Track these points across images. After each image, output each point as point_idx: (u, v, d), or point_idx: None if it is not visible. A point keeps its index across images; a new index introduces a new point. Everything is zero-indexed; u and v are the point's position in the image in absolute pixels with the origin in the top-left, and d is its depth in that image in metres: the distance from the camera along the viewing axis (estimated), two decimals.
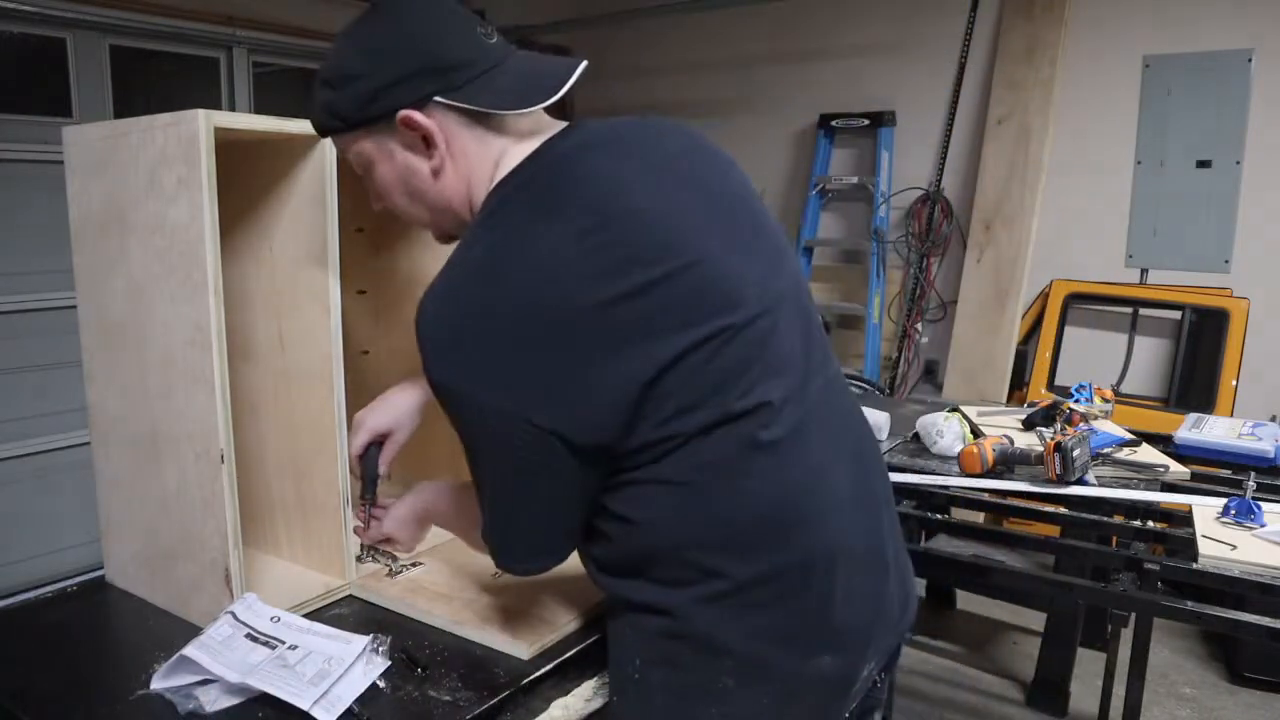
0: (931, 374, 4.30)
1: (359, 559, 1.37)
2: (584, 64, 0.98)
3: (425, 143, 0.96)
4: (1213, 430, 2.27)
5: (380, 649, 1.09)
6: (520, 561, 1.04)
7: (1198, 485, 1.97)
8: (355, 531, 1.31)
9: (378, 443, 1.31)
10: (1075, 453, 1.92)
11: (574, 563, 1.38)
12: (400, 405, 1.32)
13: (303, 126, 1.17)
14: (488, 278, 0.89)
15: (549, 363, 0.88)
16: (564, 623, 1.20)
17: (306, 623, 1.14)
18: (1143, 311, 3.74)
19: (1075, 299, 3.82)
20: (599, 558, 1.04)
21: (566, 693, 1.11)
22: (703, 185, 1.01)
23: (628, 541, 0.98)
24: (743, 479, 0.94)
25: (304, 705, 0.98)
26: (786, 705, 0.98)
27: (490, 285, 0.89)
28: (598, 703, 1.11)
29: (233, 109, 3.89)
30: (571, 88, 0.96)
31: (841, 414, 1.07)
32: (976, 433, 2.31)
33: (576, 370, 0.88)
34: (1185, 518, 1.78)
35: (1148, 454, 2.17)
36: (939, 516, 1.94)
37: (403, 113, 0.93)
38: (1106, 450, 2.15)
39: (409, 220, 1.08)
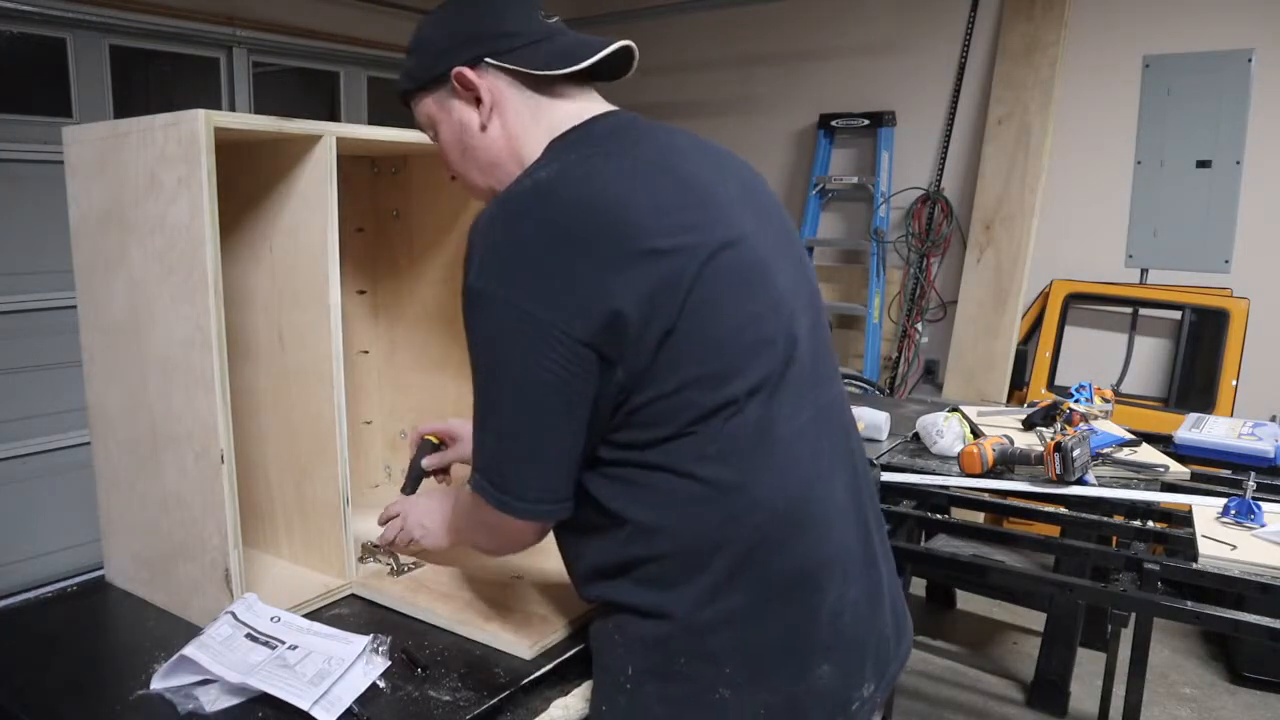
0: (931, 374, 4.30)
1: (360, 559, 1.37)
2: (624, 42, 1.04)
3: (476, 100, 1.04)
4: (1213, 430, 2.27)
5: (380, 649, 1.09)
6: (531, 502, 0.97)
7: (1198, 485, 1.97)
8: (383, 527, 1.35)
9: (444, 440, 1.43)
10: (1075, 453, 1.92)
11: None
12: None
13: (303, 126, 1.18)
14: (548, 193, 0.92)
15: (596, 279, 0.89)
16: (565, 622, 1.20)
17: (306, 623, 1.14)
18: (1142, 311, 3.74)
19: (1075, 299, 3.82)
20: (590, 558, 1.02)
21: (566, 693, 1.11)
22: (739, 176, 1.07)
23: (625, 539, 0.97)
24: (750, 476, 0.94)
25: (304, 705, 0.98)
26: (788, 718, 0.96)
27: (550, 199, 0.92)
28: None
29: (233, 109, 3.89)
30: (611, 62, 1.05)
31: (842, 429, 1.08)
32: (976, 433, 2.31)
33: (619, 290, 0.88)
34: (1185, 518, 1.78)
35: (1148, 454, 2.17)
36: (939, 516, 1.94)
37: (456, 69, 1.03)
38: (1106, 450, 2.15)
39: (468, 184, 1.13)
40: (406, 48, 1.11)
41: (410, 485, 1.43)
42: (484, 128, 1.05)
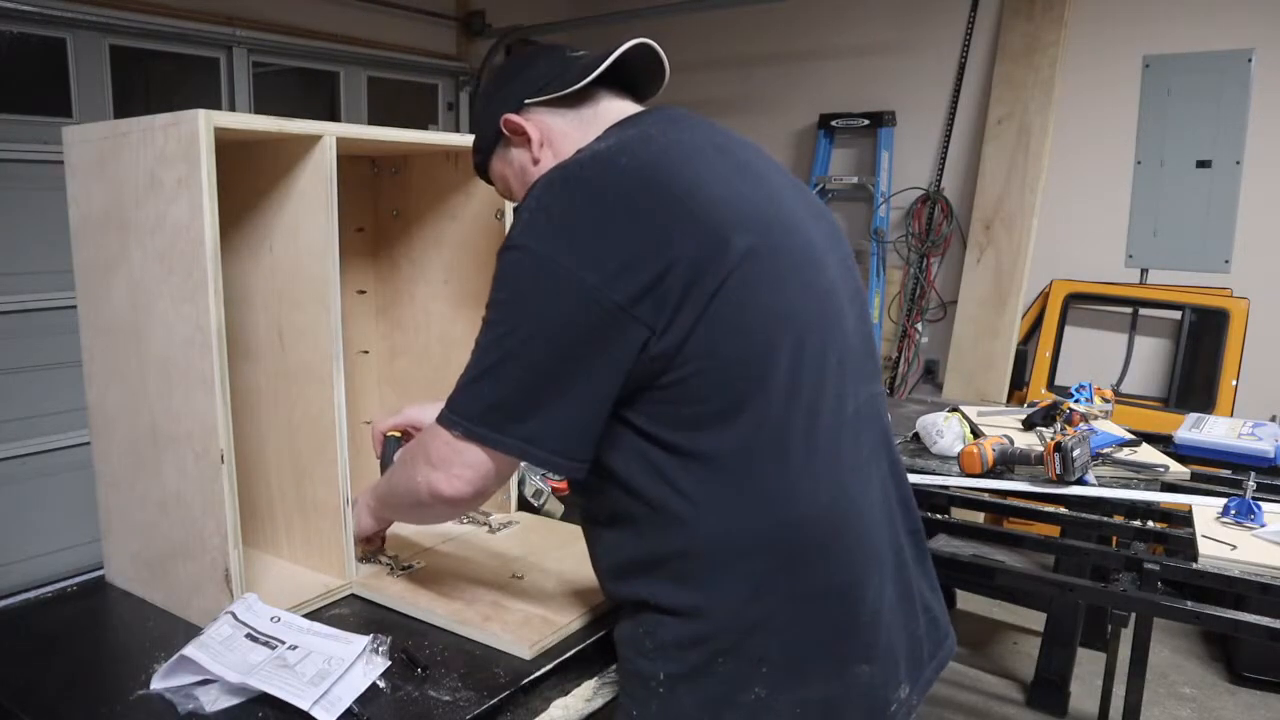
0: (931, 374, 4.30)
1: (360, 559, 1.37)
2: (641, 40, 1.08)
3: (526, 139, 1.11)
4: (1213, 430, 2.27)
5: (380, 649, 1.09)
6: (553, 453, 0.93)
7: (1198, 485, 1.97)
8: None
9: (406, 435, 1.38)
10: (1075, 453, 1.92)
11: (575, 562, 1.38)
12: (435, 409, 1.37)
13: (303, 126, 1.18)
14: (606, 160, 0.95)
15: (645, 241, 0.89)
16: (565, 622, 1.20)
17: (306, 623, 1.14)
18: (1143, 311, 3.74)
19: (1075, 299, 3.82)
20: (626, 551, 1.00)
21: (566, 693, 1.11)
22: (786, 174, 1.12)
23: (661, 532, 0.95)
24: (793, 471, 0.93)
25: (304, 705, 0.98)
26: None
27: (608, 165, 0.95)
28: (598, 702, 1.11)
29: (233, 109, 3.89)
30: (644, 71, 1.12)
31: (881, 428, 1.09)
32: (976, 433, 2.31)
33: (667, 253, 0.89)
34: (1185, 518, 1.78)
35: (1148, 454, 2.17)
36: (939, 516, 1.94)
37: (504, 117, 1.11)
38: (1106, 450, 2.15)
39: None
40: (473, 142, 1.22)
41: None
42: (536, 161, 1.11)
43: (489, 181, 1.23)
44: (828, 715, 0.95)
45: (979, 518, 2.84)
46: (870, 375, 1.08)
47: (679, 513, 0.93)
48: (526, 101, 1.11)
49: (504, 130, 1.12)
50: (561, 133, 1.10)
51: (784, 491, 0.93)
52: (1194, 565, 1.58)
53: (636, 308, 0.88)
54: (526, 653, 1.13)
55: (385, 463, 1.39)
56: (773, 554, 0.93)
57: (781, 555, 0.93)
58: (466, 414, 0.95)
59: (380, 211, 1.70)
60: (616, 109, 1.11)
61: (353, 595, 1.31)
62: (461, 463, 0.97)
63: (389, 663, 1.08)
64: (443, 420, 0.97)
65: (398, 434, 1.40)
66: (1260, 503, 1.72)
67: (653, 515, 0.95)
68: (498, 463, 0.97)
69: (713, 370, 0.91)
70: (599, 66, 1.07)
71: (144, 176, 1.14)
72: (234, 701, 1.01)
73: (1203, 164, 3.59)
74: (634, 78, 1.13)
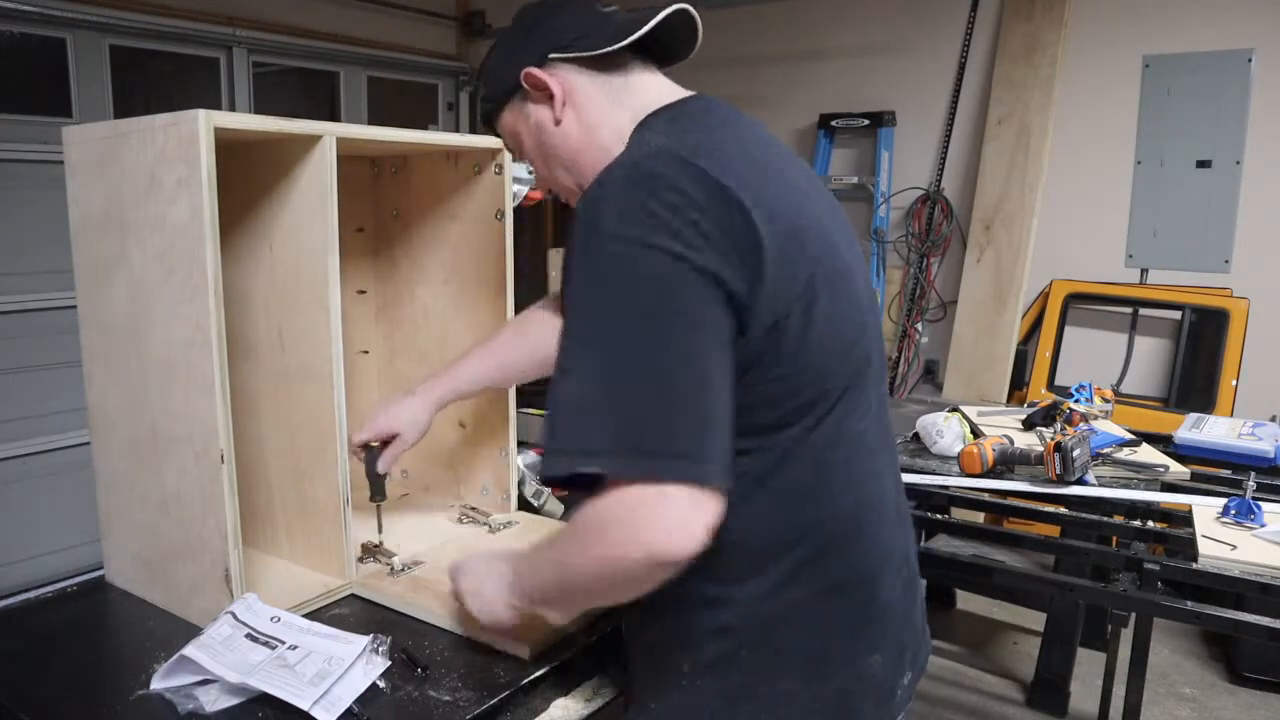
0: (931, 374, 4.30)
1: (360, 559, 1.37)
2: (681, 5, 1.02)
3: (549, 97, 1.04)
4: (1213, 430, 2.27)
5: (380, 649, 1.09)
6: (711, 462, 0.81)
7: (1198, 485, 1.97)
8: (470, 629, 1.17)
9: (382, 443, 1.38)
10: (1075, 453, 1.92)
11: None
12: (408, 409, 1.39)
13: (303, 126, 1.18)
14: (686, 153, 0.88)
15: (745, 231, 0.85)
16: (565, 622, 1.19)
17: (306, 623, 1.14)
18: (1142, 311, 3.74)
19: (1075, 299, 3.82)
20: None
21: (566, 693, 1.11)
22: (808, 174, 1.07)
23: None
24: (827, 476, 0.94)
25: (304, 705, 0.98)
26: (839, 710, 0.97)
27: (686, 158, 0.87)
28: (598, 703, 1.11)
29: (233, 109, 3.89)
30: (675, 38, 1.05)
31: (889, 426, 1.11)
32: (976, 433, 2.31)
33: (753, 250, 0.85)
34: (1185, 518, 1.78)
35: (1148, 454, 2.17)
36: (939, 516, 1.94)
37: (525, 70, 1.04)
38: (1106, 450, 2.15)
39: (558, 189, 1.12)
40: (481, 78, 1.15)
41: (378, 492, 1.41)
42: (558, 122, 1.05)
43: (493, 132, 1.17)
44: (841, 705, 0.97)
45: (979, 518, 2.84)
46: (882, 375, 1.09)
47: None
48: (552, 56, 1.04)
49: (524, 84, 1.05)
50: (587, 95, 1.04)
51: (820, 490, 0.95)
52: (1194, 565, 1.58)
53: (741, 301, 0.84)
54: (526, 652, 1.13)
55: (371, 475, 1.39)
56: (802, 549, 0.94)
57: (810, 551, 0.95)
58: (642, 452, 0.80)
59: (380, 211, 1.70)
60: (651, 86, 1.05)
61: (353, 595, 1.31)
62: (673, 508, 0.80)
63: (389, 663, 1.08)
64: (612, 470, 0.81)
65: (376, 443, 1.40)
66: (1260, 503, 1.72)
67: None
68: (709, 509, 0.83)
69: (785, 380, 0.90)
70: (635, 31, 1.01)
71: (144, 176, 1.14)
72: (234, 701, 1.01)
73: (1203, 164, 3.58)
74: (662, 43, 1.06)
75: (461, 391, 1.43)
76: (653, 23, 1.01)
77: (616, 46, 1.02)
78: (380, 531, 1.45)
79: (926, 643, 1.14)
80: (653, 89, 1.05)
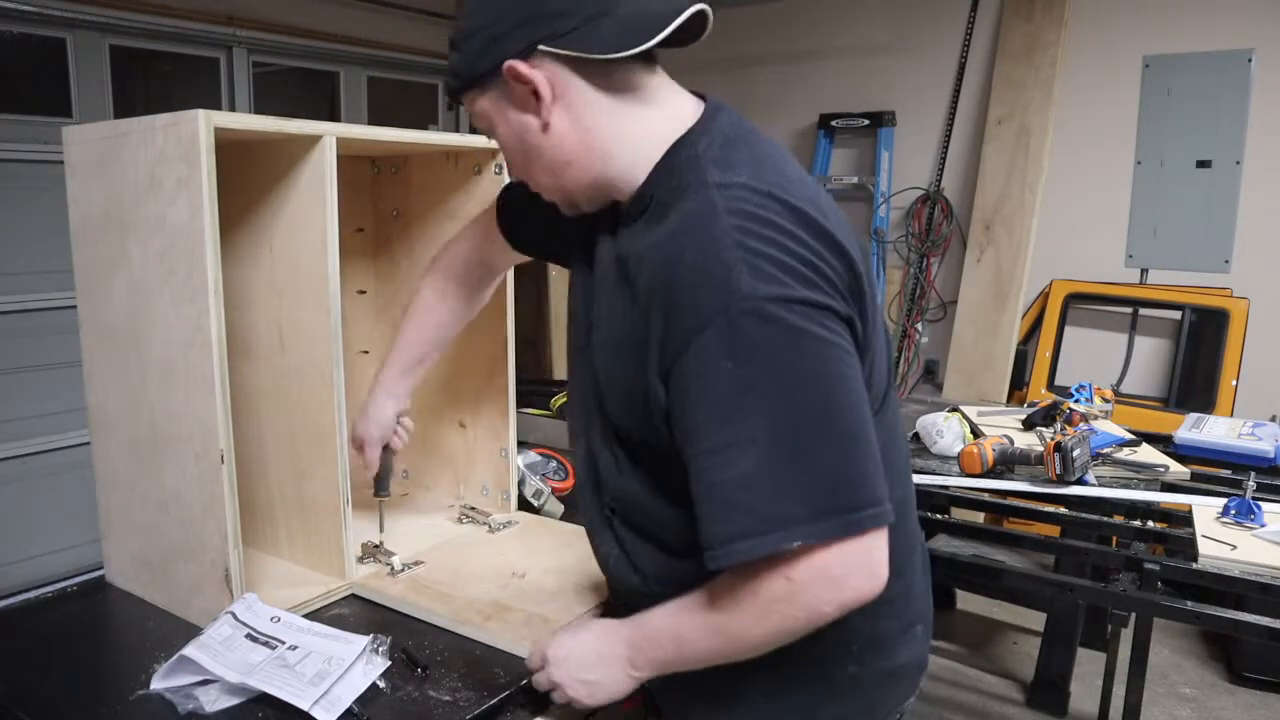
0: (931, 374, 4.30)
1: (360, 559, 1.37)
2: (699, 6, 0.89)
3: (535, 96, 0.90)
4: (1213, 430, 2.27)
5: (380, 649, 1.09)
6: (873, 500, 0.82)
7: (1198, 485, 1.97)
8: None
9: (388, 446, 1.43)
10: (1075, 453, 1.92)
11: (575, 562, 1.38)
12: (387, 415, 1.40)
13: (303, 126, 1.18)
14: (771, 190, 0.85)
15: (845, 267, 0.86)
16: (565, 622, 1.20)
17: (306, 623, 1.14)
18: (1143, 311, 3.74)
19: (1075, 299, 3.82)
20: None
21: None
22: None
23: None
24: (888, 457, 0.91)
25: (304, 705, 0.98)
26: (889, 686, 1.03)
27: (775, 196, 0.84)
28: None
29: (233, 109, 3.89)
30: (686, 31, 0.90)
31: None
32: (976, 433, 2.31)
33: (855, 280, 0.88)
34: (1185, 518, 1.78)
35: (1148, 454, 2.17)
36: (939, 516, 1.94)
37: (507, 64, 0.89)
38: (1106, 450, 2.15)
39: (535, 186, 1.01)
40: (450, 41, 0.97)
41: (381, 489, 1.46)
42: (546, 126, 0.92)
43: (458, 104, 1.05)
44: (898, 680, 1.04)
45: (979, 518, 2.83)
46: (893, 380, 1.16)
47: None
48: (541, 48, 0.88)
49: (506, 77, 0.90)
50: (582, 96, 0.91)
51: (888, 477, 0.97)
52: (1194, 565, 1.58)
53: (860, 326, 0.88)
54: (527, 652, 1.12)
55: (383, 479, 1.44)
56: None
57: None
58: (832, 511, 0.80)
59: (380, 211, 1.70)
60: (650, 84, 0.94)
61: (353, 595, 1.31)
62: (875, 552, 0.83)
63: (389, 663, 1.08)
64: (818, 536, 0.80)
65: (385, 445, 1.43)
66: (1260, 503, 1.72)
67: None
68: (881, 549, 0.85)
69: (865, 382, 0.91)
70: (643, 37, 0.87)
71: (144, 176, 1.14)
72: (234, 701, 1.01)
73: (1203, 164, 3.58)
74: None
75: (417, 367, 1.42)
76: (668, 30, 0.87)
77: (626, 54, 0.87)
78: (381, 531, 1.46)
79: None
80: (650, 86, 0.94)
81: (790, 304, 0.79)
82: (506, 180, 1.51)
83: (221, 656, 1.04)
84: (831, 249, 0.85)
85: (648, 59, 0.94)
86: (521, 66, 0.88)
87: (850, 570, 0.82)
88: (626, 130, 0.93)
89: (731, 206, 0.83)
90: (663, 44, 0.90)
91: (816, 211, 0.86)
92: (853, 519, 0.80)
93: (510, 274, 1.53)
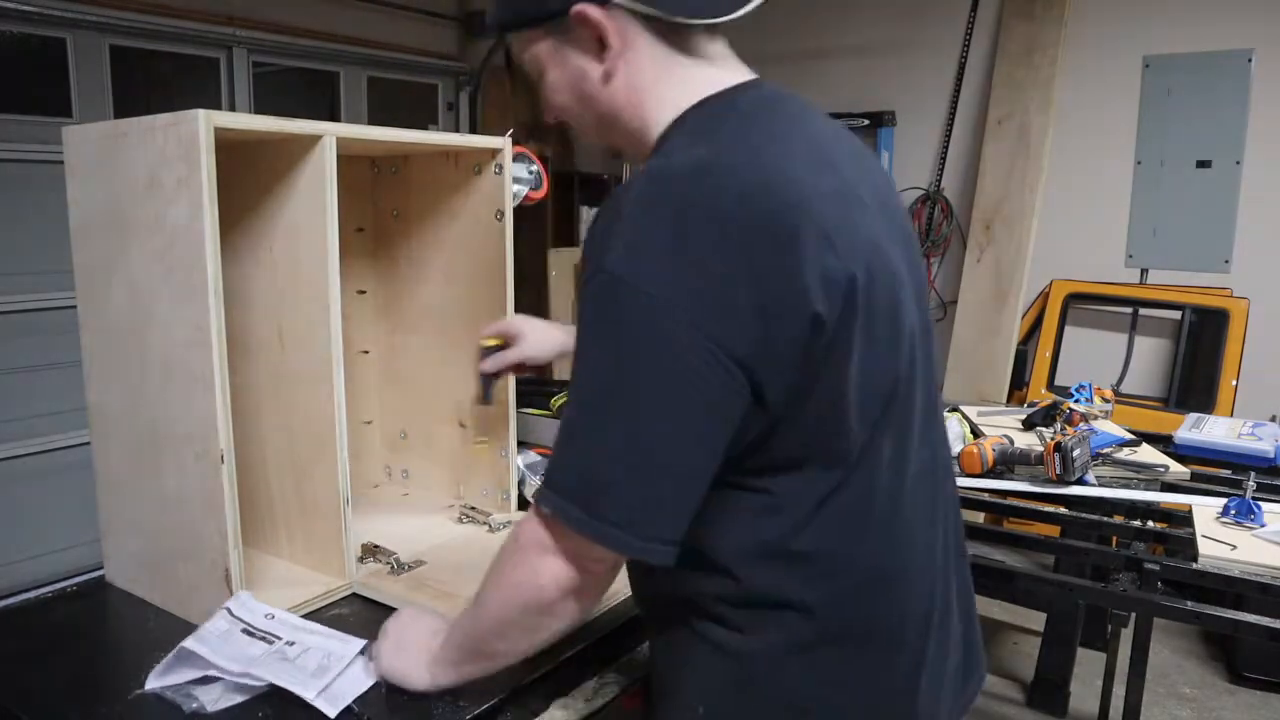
0: None
1: (360, 559, 1.37)
2: None
3: (600, 44, 0.88)
4: (1213, 430, 2.27)
5: None
6: (639, 537, 0.79)
7: (1198, 485, 1.97)
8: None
9: (499, 344, 1.42)
10: (1075, 453, 1.92)
11: None
12: (541, 326, 1.43)
13: (303, 126, 1.17)
14: (718, 177, 0.78)
15: (779, 280, 0.76)
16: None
17: (301, 621, 1.14)
18: (1143, 311, 3.74)
19: (1075, 299, 3.82)
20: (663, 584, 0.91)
21: (566, 693, 1.11)
22: (874, 180, 0.94)
23: (703, 578, 0.88)
24: (853, 541, 0.87)
25: (308, 696, 0.98)
26: None
27: (720, 185, 0.78)
28: (598, 702, 1.11)
29: (233, 109, 3.89)
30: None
31: (946, 469, 1.02)
32: (976, 433, 2.31)
33: (811, 291, 0.77)
34: (1185, 518, 1.78)
35: (1148, 454, 2.17)
36: None
37: (578, 7, 0.85)
38: (1106, 450, 2.15)
39: (577, 125, 0.98)
40: None
41: (484, 396, 1.46)
42: (608, 76, 0.89)
43: (503, 42, 1.03)
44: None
45: (979, 518, 2.83)
46: (935, 411, 0.98)
47: (727, 564, 0.87)
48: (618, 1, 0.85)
49: (573, 22, 0.86)
50: (642, 60, 0.88)
51: (842, 564, 0.88)
52: (1194, 565, 1.58)
53: (759, 365, 0.77)
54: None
55: (480, 373, 1.43)
56: (822, 617, 0.87)
57: (829, 617, 0.88)
58: (561, 487, 0.81)
59: (380, 211, 1.70)
60: (704, 75, 0.91)
61: (353, 595, 1.31)
62: (582, 555, 0.83)
63: None
64: (550, 505, 0.82)
65: (492, 342, 1.42)
66: (1260, 503, 1.72)
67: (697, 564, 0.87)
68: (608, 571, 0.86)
69: (801, 429, 0.82)
70: (722, 9, 0.87)
71: (144, 177, 1.14)
72: (236, 700, 1.01)
73: (1203, 164, 3.58)
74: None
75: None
76: (752, 4, 0.86)
77: (703, 21, 0.86)
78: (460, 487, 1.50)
79: (969, 686, 1.05)
80: (710, 71, 0.91)
81: (649, 298, 0.75)
82: (506, 181, 1.51)
83: (220, 649, 1.04)
84: (762, 247, 0.76)
85: (714, 27, 0.91)
86: (595, 12, 0.85)
87: (556, 560, 0.83)
88: (668, 94, 0.90)
89: (663, 177, 0.81)
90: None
91: (777, 202, 0.78)
92: (592, 523, 0.79)
93: (510, 274, 1.53)
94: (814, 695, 0.88)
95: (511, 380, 1.57)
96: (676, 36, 0.89)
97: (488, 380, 1.45)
